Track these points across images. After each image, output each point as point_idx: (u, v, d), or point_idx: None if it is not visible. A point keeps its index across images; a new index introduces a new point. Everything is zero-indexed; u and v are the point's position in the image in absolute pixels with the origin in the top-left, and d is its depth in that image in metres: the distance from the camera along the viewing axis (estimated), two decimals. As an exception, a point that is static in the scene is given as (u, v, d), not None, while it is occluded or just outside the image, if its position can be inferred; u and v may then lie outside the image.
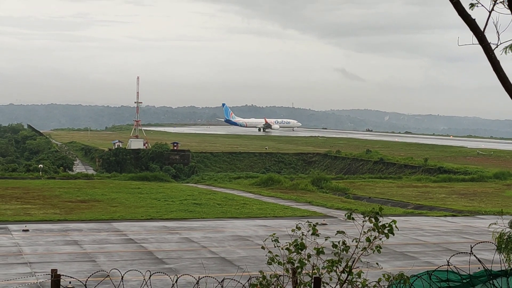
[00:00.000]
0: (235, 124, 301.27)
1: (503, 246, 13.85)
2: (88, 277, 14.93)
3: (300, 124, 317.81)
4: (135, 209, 60.69)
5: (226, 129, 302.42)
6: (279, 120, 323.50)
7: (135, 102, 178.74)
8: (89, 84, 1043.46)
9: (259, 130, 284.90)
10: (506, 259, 14.11)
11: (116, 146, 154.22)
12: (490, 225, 14.50)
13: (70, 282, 14.18)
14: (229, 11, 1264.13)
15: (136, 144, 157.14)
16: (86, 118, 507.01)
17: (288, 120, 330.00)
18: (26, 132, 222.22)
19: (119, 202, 65.94)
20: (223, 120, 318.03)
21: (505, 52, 13.50)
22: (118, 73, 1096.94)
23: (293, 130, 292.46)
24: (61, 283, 13.39)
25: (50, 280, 13.32)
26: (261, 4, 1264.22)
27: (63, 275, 13.64)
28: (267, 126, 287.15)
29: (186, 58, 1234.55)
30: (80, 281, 14.60)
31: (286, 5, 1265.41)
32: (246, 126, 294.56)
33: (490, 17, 13.07)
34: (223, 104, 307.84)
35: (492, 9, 13.03)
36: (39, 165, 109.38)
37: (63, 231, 47.13)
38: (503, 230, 13.94)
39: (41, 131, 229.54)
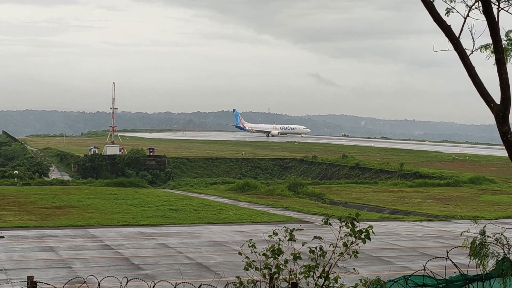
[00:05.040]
0: (243, 129, 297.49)
1: (476, 252, 13.95)
2: (65, 284, 14.88)
3: (309, 130, 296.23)
4: (111, 215, 60.46)
5: (202, 134, 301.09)
6: (285, 126, 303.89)
7: (111, 108, 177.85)
8: (64, 90, 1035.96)
9: (267, 136, 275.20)
10: (480, 264, 14.20)
11: (92, 152, 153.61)
12: (462, 233, 14.56)
13: (46, 289, 14.10)
14: (203, 16, 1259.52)
15: (112, 150, 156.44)
16: (62, 124, 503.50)
17: (294, 126, 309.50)
18: (1, 138, 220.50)
19: (95, 208, 65.63)
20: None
21: (480, 50, 13.61)
22: (93, 79, 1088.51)
23: (301, 137, 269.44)
24: (37, 290, 13.32)
25: (26, 287, 13.26)
26: (235, 9, 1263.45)
27: (39, 281, 13.58)
28: (268, 133, 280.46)
29: (161, 63, 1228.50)
30: (56, 288, 14.53)
31: (260, 10, 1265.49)
32: (253, 132, 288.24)
33: (465, 23, 13.17)
34: (234, 110, 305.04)
35: (467, 15, 13.14)
36: (14, 172, 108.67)
37: (38, 237, 46.88)
38: (475, 237, 14.02)
39: (16, 137, 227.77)
